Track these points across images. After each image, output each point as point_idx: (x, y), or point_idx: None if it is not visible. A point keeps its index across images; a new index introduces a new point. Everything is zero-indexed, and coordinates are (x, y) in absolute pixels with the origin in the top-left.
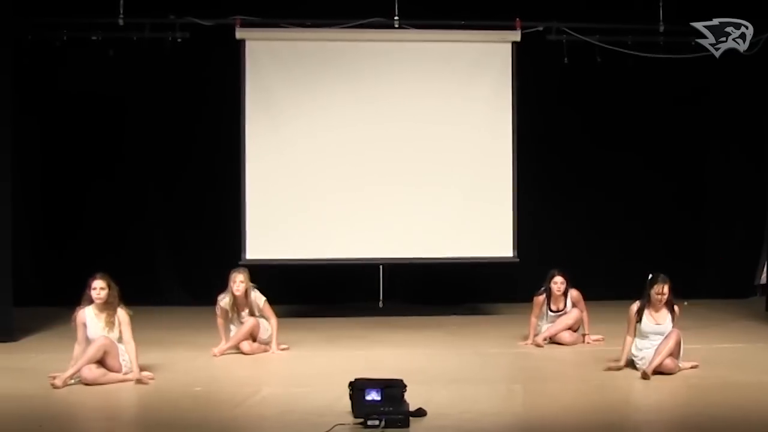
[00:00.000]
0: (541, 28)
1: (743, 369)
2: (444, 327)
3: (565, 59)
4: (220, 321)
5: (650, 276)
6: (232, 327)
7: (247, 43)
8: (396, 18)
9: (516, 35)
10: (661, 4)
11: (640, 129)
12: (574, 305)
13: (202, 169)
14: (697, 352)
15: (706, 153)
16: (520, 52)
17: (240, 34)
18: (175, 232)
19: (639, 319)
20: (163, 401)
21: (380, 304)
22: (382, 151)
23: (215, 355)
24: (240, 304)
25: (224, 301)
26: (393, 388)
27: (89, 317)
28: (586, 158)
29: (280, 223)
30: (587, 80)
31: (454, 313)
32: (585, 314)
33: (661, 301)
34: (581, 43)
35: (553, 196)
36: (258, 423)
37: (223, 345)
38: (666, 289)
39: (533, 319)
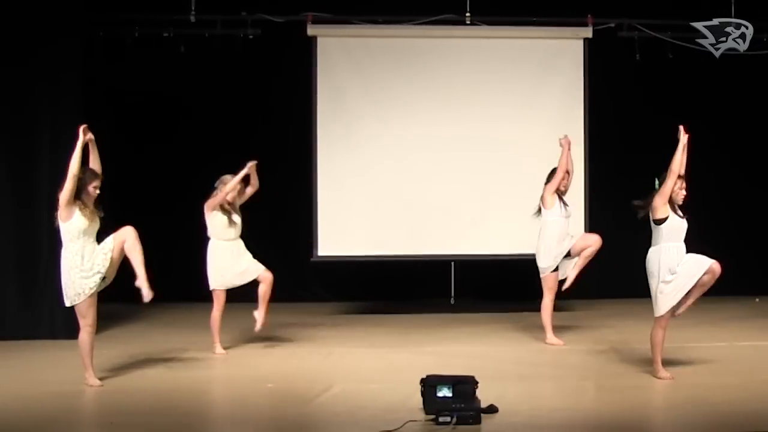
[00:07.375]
0: (612, 25)
1: None
2: (515, 323)
3: (637, 56)
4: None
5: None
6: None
7: (319, 40)
8: (468, 14)
9: (588, 32)
10: (732, 0)
11: (716, 127)
12: None
13: (273, 166)
14: None
15: None
16: (591, 49)
17: (311, 30)
18: (245, 230)
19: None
20: (236, 398)
21: (452, 301)
22: (452, 148)
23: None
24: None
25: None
26: (464, 385)
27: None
28: (659, 157)
29: (351, 219)
30: (659, 77)
31: (525, 310)
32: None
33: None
34: (653, 39)
35: (626, 194)
36: (330, 419)
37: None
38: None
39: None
